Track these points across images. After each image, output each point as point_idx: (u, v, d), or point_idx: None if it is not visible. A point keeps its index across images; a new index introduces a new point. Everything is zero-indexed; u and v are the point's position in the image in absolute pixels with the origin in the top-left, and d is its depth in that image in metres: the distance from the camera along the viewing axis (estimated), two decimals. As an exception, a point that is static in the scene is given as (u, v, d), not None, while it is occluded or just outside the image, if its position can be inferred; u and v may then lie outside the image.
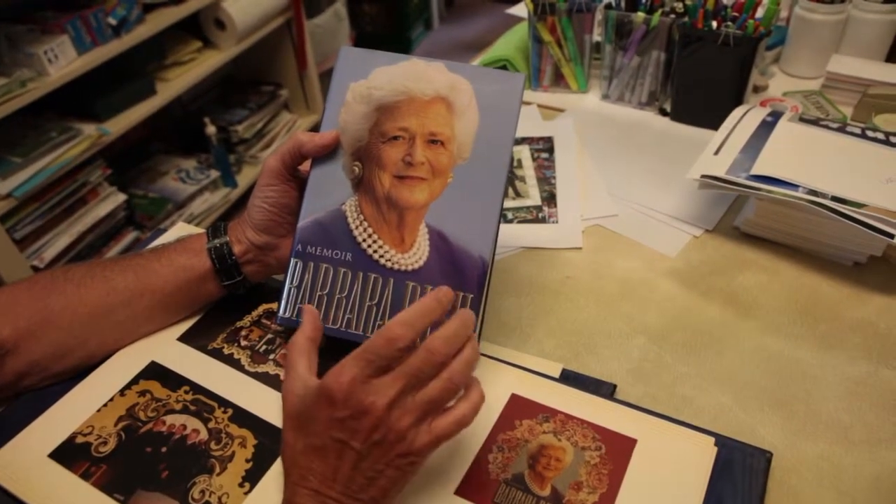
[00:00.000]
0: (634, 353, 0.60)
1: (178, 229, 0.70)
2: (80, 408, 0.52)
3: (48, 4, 1.47)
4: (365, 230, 0.54)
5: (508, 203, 0.80)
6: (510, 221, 0.77)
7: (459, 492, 0.48)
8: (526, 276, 0.70)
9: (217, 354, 0.56)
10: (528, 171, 0.85)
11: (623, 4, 0.91)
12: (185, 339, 0.57)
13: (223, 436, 0.50)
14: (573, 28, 0.96)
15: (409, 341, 0.41)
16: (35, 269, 1.47)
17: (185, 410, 0.51)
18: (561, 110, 0.99)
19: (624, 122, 0.95)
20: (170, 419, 0.51)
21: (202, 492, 0.46)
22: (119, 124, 1.57)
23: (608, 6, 0.92)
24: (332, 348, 0.53)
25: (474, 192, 0.53)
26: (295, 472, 0.42)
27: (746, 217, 0.72)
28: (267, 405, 0.52)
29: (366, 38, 2.93)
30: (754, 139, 0.72)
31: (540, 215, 0.78)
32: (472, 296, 0.52)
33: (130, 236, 1.74)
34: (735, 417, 0.54)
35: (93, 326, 0.54)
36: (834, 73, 0.92)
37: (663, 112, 0.95)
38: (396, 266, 0.53)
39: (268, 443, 0.49)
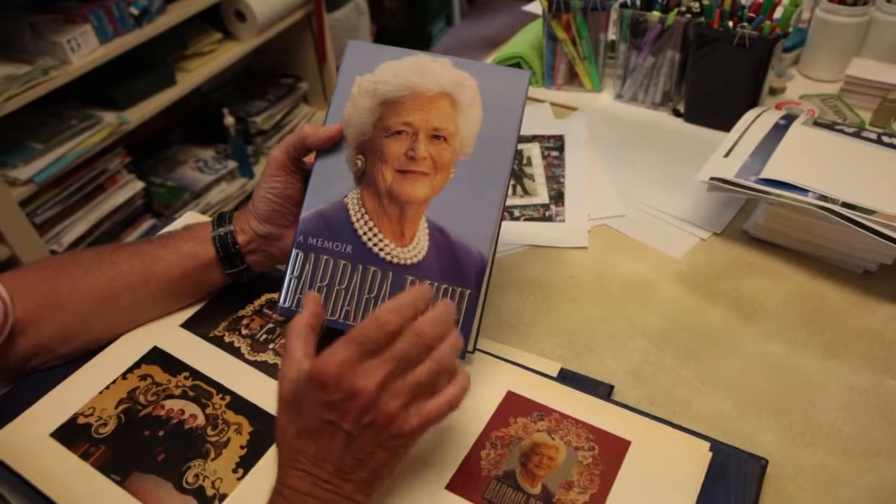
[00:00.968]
0: (635, 355, 0.60)
1: (187, 218, 0.71)
2: (83, 389, 0.53)
3: (72, -7, 1.49)
4: (366, 223, 0.54)
5: (516, 201, 0.80)
6: (517, 219, 0.77)
7: (450, 486, 0.48)
8: (530, 274, 0.70)
9: (218, 342, 0.57)
10: (538, 169, 0.85)
11: (638, 3, 0.90)
12: (187, 325, 0.58)
13: (220, 422, 0.50)
14: (588, 26, 0.95)
15: (397, 326, 0.41)
16: (53, 253, 1.50)
17: (184, 396, 0.52)
18: (574, 109, 0.98)
19: (637, 123, 0.94)
20: (169, 404, 0.52)
21: (196, 476, 0.47)
22: (139, 113, 1.59)
23: (623, 4, 0.91)
24: (330, 339, 0.54)
25: (475, 189, 0.53)
26: (287, 455, 0.42)
27: (755, 221, 0.71)
28: (264, 393, 0.52)
29: (386, 33, 2.93)
30: (766, 142, 0.71)
31: (547, 214, 0.78)
32: (469, 291, 0.52)
33: (148, 224, 1.76)
34: (733, 423, 0.54)
35: (99, 310, 0.55)
36: (853, 76, 0.90)
37: (677, 113, 0.94)
38: (396, 260, 0.53)
39: (263, 430, 0.50)
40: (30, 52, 1.39)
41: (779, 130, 0.73)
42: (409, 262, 0.53)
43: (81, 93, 1.52)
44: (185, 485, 0.46)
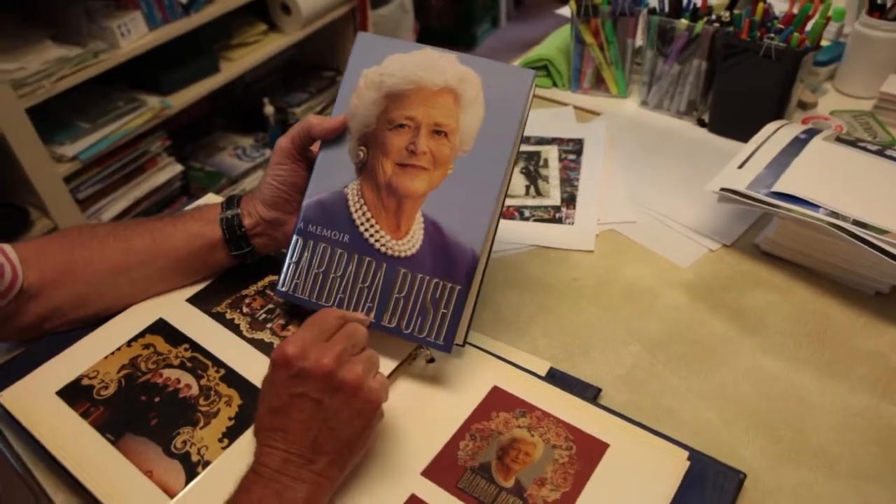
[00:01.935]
0: (627, 360, 0.60)
1: (204, 199, 0.73)
2: (90, 353, 0.56)
3: (126, -20, 1.56)
4: (363, 214, 0.55)
5: (528, 201, 0.80)
6: (527, 219, 0.78)
7: (426, 473, 0.49)
8: (533, 273, 0.70)
9: (220, 318, 0.59)
10: (553, 171, 0.85)
11: (667, 10, 0.90)
12: (193, 300, 0.61)
13: (212, 393, 0.53)
14: (616, 31, 0.95)
15: (341, 314, 0.49)
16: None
17: (181, 366, 0.55)
18: (598, 113, 0.98)
19: (660, 130, 0.93)
20: (167, 372, 0.54)
21: (184, 442, 0.49)
22: (182, 99, 1.65)
23: (651, 11, 0.90)
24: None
25: (473, 185, 0.54)
26: (261, 436, 0.45)
27: (767, 236, 0.70)
28: (257, 370, 0.54)
29: (430, 32, 2.95)
30: (783, 155, 0.70)
31: (557, 215, 0.78)
32: (459, 288, 0.53)
33: (183, 206, 1.83)
34: (717, 434, 0.53)
35: (110, 281, 0.58)
36: (888, 93, 0.87)
37: (701, 123, 0.93)
38: (390, 251, 0.54)
39: (251, 404, 0.52)
40: (83, 35, 1.46)
41: (798, 144, 0.71)
42: (403, 254, 0.54)
43: (128, 76, 1.59)
44: (173, 449, 0.49)
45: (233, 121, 2.11)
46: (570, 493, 0.47)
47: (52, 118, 1.46)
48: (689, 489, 0.47)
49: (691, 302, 0.66)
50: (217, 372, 0.54)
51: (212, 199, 0.73)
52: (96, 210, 1.57)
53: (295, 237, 0.57)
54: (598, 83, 1.01)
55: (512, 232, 0.75)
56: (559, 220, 0.77)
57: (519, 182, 0.83)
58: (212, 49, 1.75)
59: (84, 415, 0.51)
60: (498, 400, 0.54)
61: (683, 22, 0.87)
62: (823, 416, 0.54)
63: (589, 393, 0.56)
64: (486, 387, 0.55)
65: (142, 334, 0.57)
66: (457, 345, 0.55)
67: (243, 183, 1.94)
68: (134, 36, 1.49)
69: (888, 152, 0.70)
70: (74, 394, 0.53)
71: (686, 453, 0.49)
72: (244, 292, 0.62)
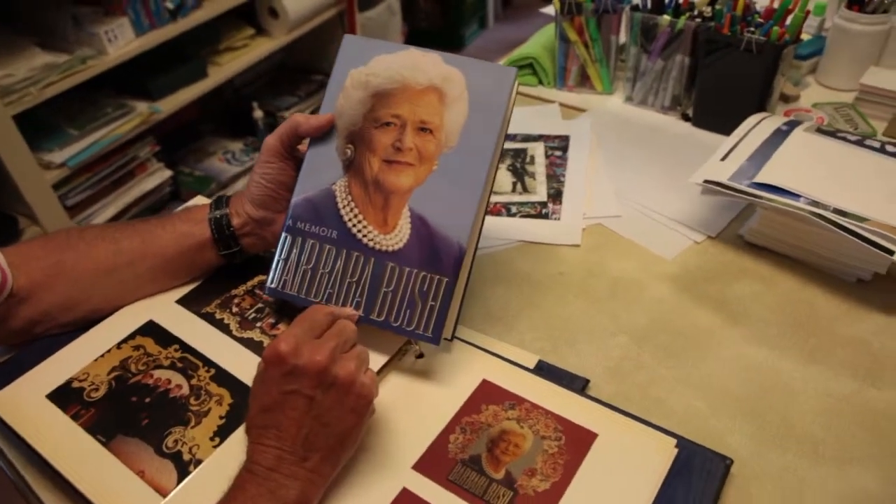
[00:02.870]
0: (614, 352, 0.61)
1: (194, 201, 0.74)
2: (80, 356, 0.56)
3: (113, -13, 1.55)
4: (351, 210, 0.56)
5: (514, 198, 0.81)
6: (513, 215, 0.78)
7: (416, 466, 0.49)
8: (520, 268, 0.71)
9: (209, 318, 0.59)
10: (539, 167, 0.86)
11: (649, 6, 0.90)
12: (182, 301, 0.61)
13: (203, 392, 0.53)
14: (599, 29, 0.96)
15: (330, 310, 0.50)
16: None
17: (172, 367, 0.55)
18: (583, 110, 0.99)
19: (644, 126, 0.94)
20: (157, 373, 0.54)
21: (176, 441, 0.49)
22: (171, 104, 1.65)
23: (634, 8, 0.91)
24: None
25: (458, 181, 0.55)
26: (252, 434, 0.45)
27: (750, 226, 0.71)
28: (247, 368, 0.54)
29: (418, 34, 2.96)
30: (765, 147, 0.71)
31: (543, 211, 0.79)
32: (447, 280, 0.54)
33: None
34: (705, 423, 0.54)
35: (99, 283, 0.59)
36: (868, 85, 0.89)
37: (686, 117, 0.94)
38: (378, 246, 0.55)
39: (242, 403, 0.52)
40: (70, 41, 1.46)
41: (779, 136, 0.72)
42: (390, 248, 0.55)
43: (117, 82, 1.59)
44: (164, 449, 0.49)
45: (222, 125, 2.11)
46: (559, 482, 0.48)
47: (40, 125, 1.45)
48: (677, 476, 0.48)
49: (677, 293, 0.66)
50: (207, 371, 0.54)
51: (201, 200, 0.73)
52: (86, 217, 1.57)
53: (284, 234, 0.57)
54: (583, 80, 1.02)
55: (499, 228, 0.76)
56: (546, 216, 0.78)
57: (506, 179, 0.84)
58: (200, 54, 1.75)
59: (75, 417, 0.51)
60: (487, 393, 0.55)
61: (666, 18, 0.88)
62: (808, 401, 0.55)
63: (577, 384, 0.57)
64: (475, 380, 0.56)
65: (132, 336, 0.58)
66: (445, 339, 0.55)
67: (233, 187, 1.94)
68: (121, 42, 1.49)
69: (867, 142, 0.71)
70: (65, 396, 0.53)
71: (674, 441, 0.50)
72: (233, 292, 0.62)
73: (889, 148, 0.70)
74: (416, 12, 3.00)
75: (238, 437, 0.50)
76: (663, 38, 0.90)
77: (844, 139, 0.71)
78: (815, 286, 0.66)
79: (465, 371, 0.56)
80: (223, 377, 0.54)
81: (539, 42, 1.06)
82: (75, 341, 0.57)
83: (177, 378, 0.54)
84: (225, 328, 0.58)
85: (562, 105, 1.00)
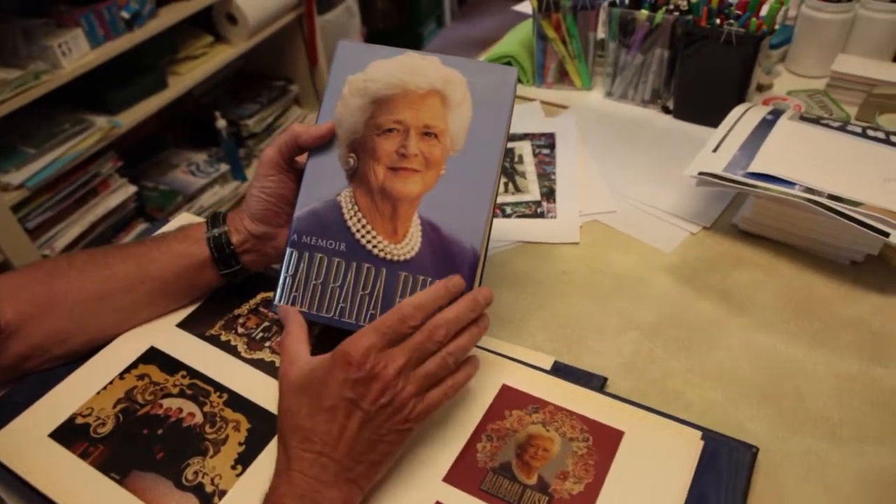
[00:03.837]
0: (626, 348, 0.61)
1: (181, 219, 0.71)
2: (81, 390, 0.53)
3: (63, -2, 1.49)
4: (359, 220, 0.54)
5: (507, 198, 0.80)
6: (508, 216, 0.78)
7: (447, 479, 0.49)
8: (521, 269, 0.70)
9: (214, 341, 0.57)
10: (529, 166, 0.86)
11: (627, 1, 0.91)
12: (184, 325, 0.58)
13: (218, 419, 0.51)
14: (577, 25, 0.96)
15: (418, 321, 0.46)
16: (45, 258, 1.49)
17: (181, 394, 0.53)
18: (564, 107, 0.99)
19: (627, 120, 0.95)
20: (167, 402, 0.52)
21: (196, 473, 0.47)
22: (131, 117, 1.59)
23: (612, 3, 0.92)
24: (325, 337, 0.54)
25: (466, 184, 0.54)
26: (297, 436, 0.44)
27: (744, 215, 0.72)
28: (261, 390, 0.53)
29: (377, 34, 2.93)
30: (753, 137, 0.72)
31: (538, 210, 0.78)
32: (463, 286, 0.53)
33: (141, 227, 1.76)
34: (724, 412, 0.55)
35: (93, 311, 0.56)
36: (839, 72, 0.91)
37: (666, 110, 0.95)
38: (389, 256, 0.54)
39: (260, 427, 0.50)
40: (21, 56, 1.39)
41: (766, 125, 0.74)
42: (402, 258, 0.54)
43: (73, 97, 1.52)
44: (184, 482, 0.47)
45: (183, 137, 2.05)
46: (593, 483, 0.48)
47: (-6, 146, 1.38)
48: (705, 468, 0.48)
49: (679, 286, 0.67)
50: (220, 397, 0.52)
51: (188, 218, 0.71)
52: (48, 238, 1.50)
53: (289, 250, 0.55)
54: (562, 77, 1.03)
55: (496, 229, 0.75)
56: (541, 215, 0.78)
57: (498, 180, 0.83)
58: (158, 64, 1.69)
59: (83, 455, 0.49)
60: (509, 398, 0.54)
61: (644, 13, 0.89)
62: (818, 384, 0.56)
63: (596, 383, 0.57)
64: (495, 386, 0.55)
65: (134, 365, 0.55)
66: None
67: (200, 200, 1.89)
68: (76, 55, 1.43)
69: (849, 128, 0.73)
70: (69, 434, 0.50)
71: (699, 433, 0.50)
72: (237, 312, 0.60)
73: (870, 133, 0.72)
74: (374, 13, 2.97)
75: (262, 462, 0.48)
76: (642, 33, 0.90)
77: (827, 126, 0.73)
78: (812, 271, 0.67)
79: (484, 377, 0.55)
80: (237, 402, 0.52)
81: (516, 40, 1.06)
82: (73, 374, 0.55)
83: (188, 406, 0.52)
84: (233, 350, 0.56)
85: (542, 103, 1.00)
